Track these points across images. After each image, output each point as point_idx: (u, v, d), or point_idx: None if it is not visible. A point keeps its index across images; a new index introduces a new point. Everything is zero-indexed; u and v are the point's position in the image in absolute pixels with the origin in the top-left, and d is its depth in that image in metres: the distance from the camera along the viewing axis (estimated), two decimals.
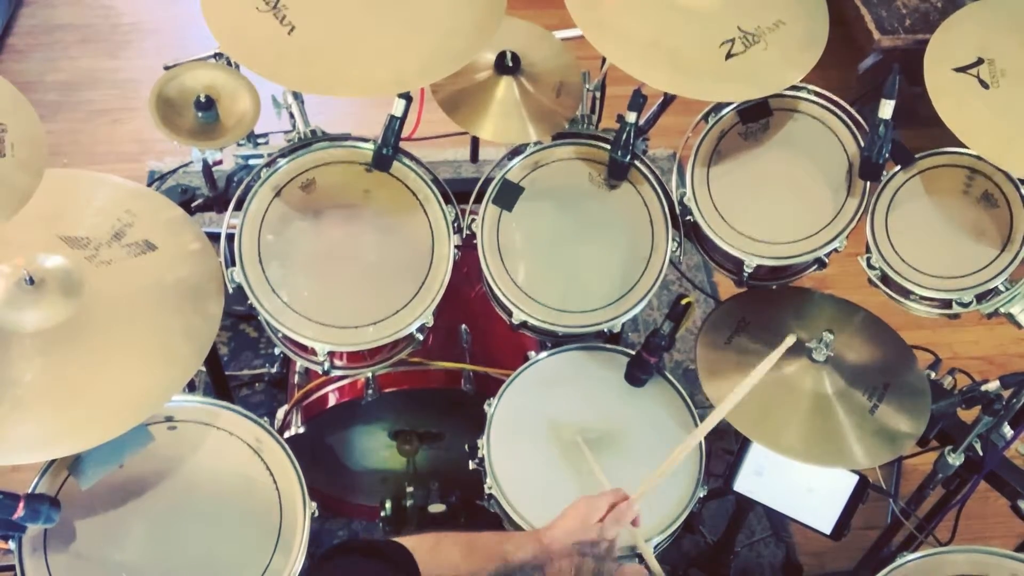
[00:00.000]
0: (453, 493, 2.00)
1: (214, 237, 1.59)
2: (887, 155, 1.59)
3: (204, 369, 2.06)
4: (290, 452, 1.52)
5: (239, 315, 2.62)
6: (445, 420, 2.01)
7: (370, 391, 1.82)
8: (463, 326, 1.98)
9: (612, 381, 1.72)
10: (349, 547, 1.24)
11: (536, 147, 1.75)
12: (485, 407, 1.68)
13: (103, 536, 1.42)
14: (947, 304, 1.63)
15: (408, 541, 1.24)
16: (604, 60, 1.76)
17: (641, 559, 1.48)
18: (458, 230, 1.67)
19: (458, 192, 1.71)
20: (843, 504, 1.68)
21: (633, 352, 1.72)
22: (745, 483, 1.72)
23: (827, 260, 1.71)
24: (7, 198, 1.28)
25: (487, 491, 1.60)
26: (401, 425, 2.04)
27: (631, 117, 1.63)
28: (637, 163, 1.71)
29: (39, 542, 1.39)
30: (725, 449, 1.94)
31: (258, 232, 1.60)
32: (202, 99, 1.67)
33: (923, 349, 1.79)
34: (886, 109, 1.55)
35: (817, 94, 1.72)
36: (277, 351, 2.50)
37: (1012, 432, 1.67)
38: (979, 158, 1.61)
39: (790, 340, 1.60)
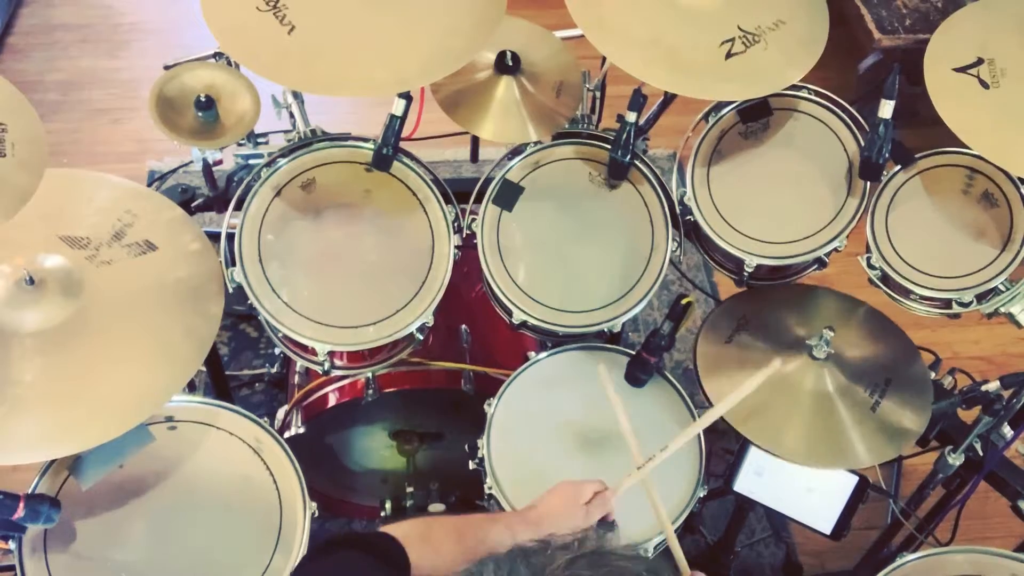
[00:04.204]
0: (453, 493, 2.00)
1: (214, 237, 1.58)
2: (887, 155, 1.59)
3: (204, 369, 2.06)
4: (290, 452, 1.52)
5: (239, 315, 2.62)
6: (445, 420, 2.01)
7: (370, 391, 1.82)
8: (463, 326, 1.98)
9: (612, 381, 1.72)
10: (339, 541, 1.24)
11: (536, 147, 1.75)
12: (485, 407, 1.68)
13: (103, 536, 1.42)
14: (947, 304, 1.63)
15: (398, 529, 1.24)
16: (604, 60, 1.76)
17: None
18: (458, 230, 1.67)
19: (458, 192, 1.71)
20: (843, 504, 1.68)
21: (633, 352, 1.72)
22: (745, 483, 1.72)
23: (827, 260, 1.71)
24: (7, 198, 1.28)
25: (487, 491, 1.60)
26: (401, 425, 2.04)
27: (631, 117, 1.62)
28: (637, 163, 1.71)
29: (39, 542, 1.39)
30: (725, 449, 1.94)
31: (258, 232, 1.60)
32: (202, 99, 1.67)
33: (923, 349, 1.79)
34: (886, 109, 1.55)
35: (817, 94, 1.72)
36: (277, 351, 2.50)
37: (1012, 432, 1.67)
38: (979, 158, 1.61)
39: (776, 363, 1.59)
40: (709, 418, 1.48)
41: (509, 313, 1.69)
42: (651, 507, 1.42)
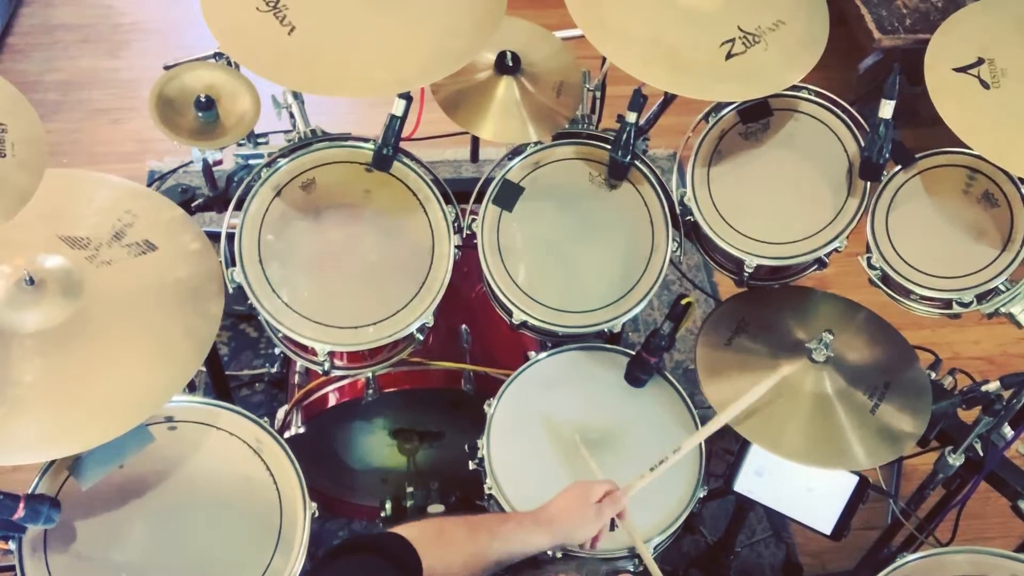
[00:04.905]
0: (453, 493, 2.00)
1: (214, 237, 1.58)
2: (887, 155, 1.59)
3: (204, 369, 2.06)
4: (290, 452, 1.52)
5: (239, 315, 2.62)
6: (445, 420, 2.01)
7: (370, 391, 1.82)
8: (463, 326, 1.98)
9: (612, 381, 1.72)
10: (352, 545, 1.25)
11: (536, 147, 1.75)
12: (485, 407, 1.68)
13: (103, 536, 1.42)
14: (947, 304, 1.63)
15: (411, 531, 1.26)
16: (604, 60, 1.76)
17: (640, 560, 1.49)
18: (458, 230, 1.67)
19: (458, 192, 1.71)
20: (843, 504, 1.68)
21: (633, 352, 1.72)
22: (745, 483, 1.72)
23: (827, 260, 1.71)
24: (7, 198, 1.28)
25: (487, 491, 1.60)
26: (401, 425, 2.04)
27: (631, 117, 1.62)
28: (637, 163, 1.71)
29: (39, 543, 1.39)
30: (725, 449, 1.94)
31: (258, 232, 1.60)
32: (202, 99, 1.67)
33: (924, 349, 1.79)
34: (886, 109, 1.55)
35: (817, 94, 1.72)
36: (277, 351, 2.50)
37: (1012, 432, 1.67)
38: (980, 158, 1.60)
39: (786, 370, 1.61)
40: (726, 416, 1.51)
41: (509, 313, 1.69)
42: (628, 535, 1.47)
